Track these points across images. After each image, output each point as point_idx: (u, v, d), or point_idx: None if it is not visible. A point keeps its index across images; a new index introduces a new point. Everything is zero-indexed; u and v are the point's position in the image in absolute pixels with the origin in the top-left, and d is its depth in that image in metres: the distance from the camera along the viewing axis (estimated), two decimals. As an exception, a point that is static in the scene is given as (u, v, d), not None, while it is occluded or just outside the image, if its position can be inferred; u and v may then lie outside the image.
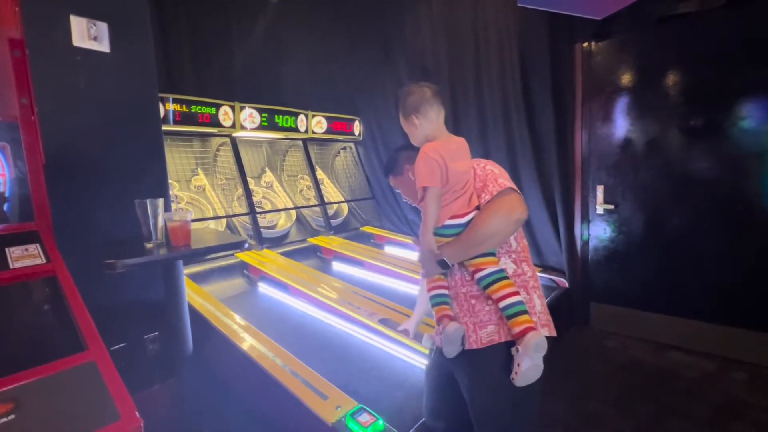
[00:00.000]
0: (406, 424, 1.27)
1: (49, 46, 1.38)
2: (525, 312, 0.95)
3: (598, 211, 2.52)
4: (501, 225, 0.96)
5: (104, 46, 1.52)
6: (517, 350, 0.93)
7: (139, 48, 1.63)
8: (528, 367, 0.91)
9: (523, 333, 0.92)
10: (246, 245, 1.24)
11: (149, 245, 1.22)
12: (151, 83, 1.68)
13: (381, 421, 1.16)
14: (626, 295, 2.47)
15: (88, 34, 1.49)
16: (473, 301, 1.02)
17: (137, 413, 0.67)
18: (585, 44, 2.43)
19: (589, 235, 2.60)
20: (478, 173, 1.04)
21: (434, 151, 0.98)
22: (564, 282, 2.55)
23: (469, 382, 1.03)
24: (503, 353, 0.97)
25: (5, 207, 1.33)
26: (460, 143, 1.06)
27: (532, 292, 1.02)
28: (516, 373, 0.93)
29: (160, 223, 1.25)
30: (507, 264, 1.02)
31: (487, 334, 0.99)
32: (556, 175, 2.51)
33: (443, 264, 1.02)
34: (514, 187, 1.00)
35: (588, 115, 2.50)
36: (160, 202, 1.25)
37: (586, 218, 2.58)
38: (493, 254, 1.01)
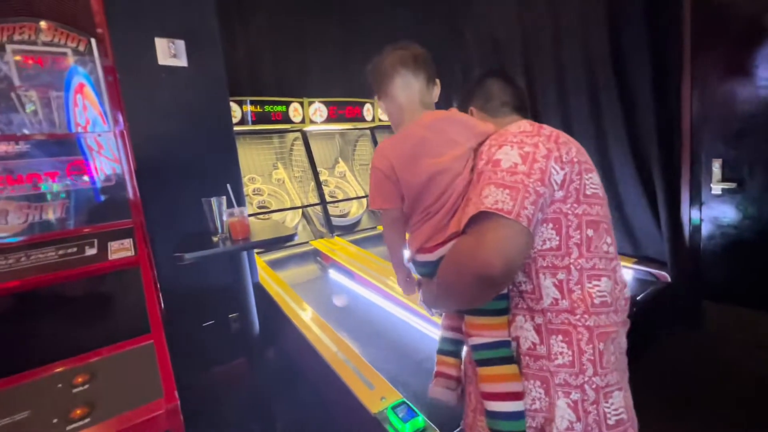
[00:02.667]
0: (453, 422, 1.23)
1: (139, 68, 1.61)
2: None
3: (713, 191, 2.06)
4: (456, 285, 0.62)
5: (182, 61, 1.72)
6: None
7: (211, 59, 1.80)
8: None
9: None
10: (296, 238, 1.32)
11: (215, 238, 1.37)
12: (222, 89, 1.86)
13: (421, 418, 1.14)
14: (752, 293, 1.99)
15: (169, 53, 1.69)
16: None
17: (176, 393, 0.76)
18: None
19: (701, 219, 2.15)
20: (478, 166, 0.67)
21: (380, 157, 0.72)
22: (665, 275, 2.17)
23: None
24: None
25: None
26: (438, 124, 0.72)
27: (555, 393, 0.61)
28: None
29: (225, 218, 1.39)
30: (523, 331, 0.65)
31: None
32: (656, 145, 2.10)
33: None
34: (502, 207, 0.58)
35: (701, 69, 2.01)
36: (223, 200, 1.38)
37: (696, 199, 2.13)
38: (497, 311, 0.66)
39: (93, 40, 2.03)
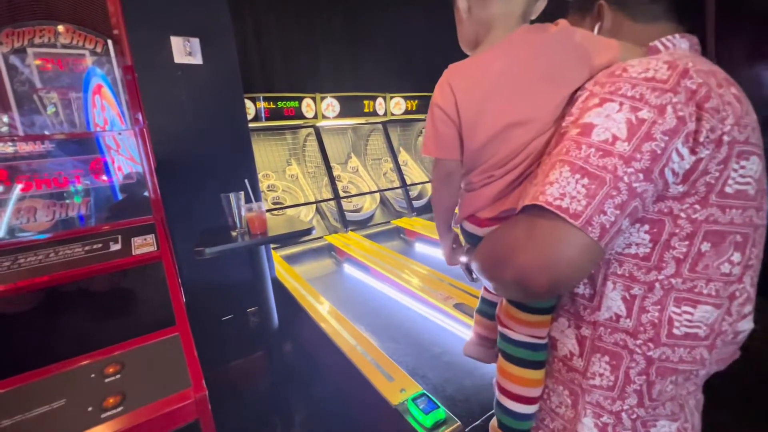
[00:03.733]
0: (473, 414, 1.23)
1: (155, 67, 1.63)
2: None
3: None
4: (490, 275, 0.49)
5: (198, 59, 1.74)
6: None
7: (225, 56, 1.81)
8: None
9: None
10: (313, 232, 1.32)
11: (234, 233, 1.39)
12: (237, 86, 1.87)
13: (442, 410, 1.14)
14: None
15: (184, 51, 1.71)
16: None
17: (204, 383, 0.78)
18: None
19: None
20: (564, 122, 0.48)
21: (444, 90, 0.53)
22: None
23: None
24: None
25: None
26: (538, 46, 0.51)
27: (583, 409, 0.53)
28: None
29: (243, 213, 1.41)
30: (563, 335, 0.55)
31: None
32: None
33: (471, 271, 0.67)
34: (567, 207, 0.42)
35: (725, 55, 1.95)
36: (241, 195, 1.40)
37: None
38: (541, 309, 0.55)
39: (110, 42, 2.07)
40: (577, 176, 0.42)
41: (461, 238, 0.69)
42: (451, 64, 0.57)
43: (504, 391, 0.59)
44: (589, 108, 0.45)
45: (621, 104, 0.42)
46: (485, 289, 0.79)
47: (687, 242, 0.45)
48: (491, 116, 0.51)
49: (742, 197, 0.45)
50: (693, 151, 0.42)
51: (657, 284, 0.47)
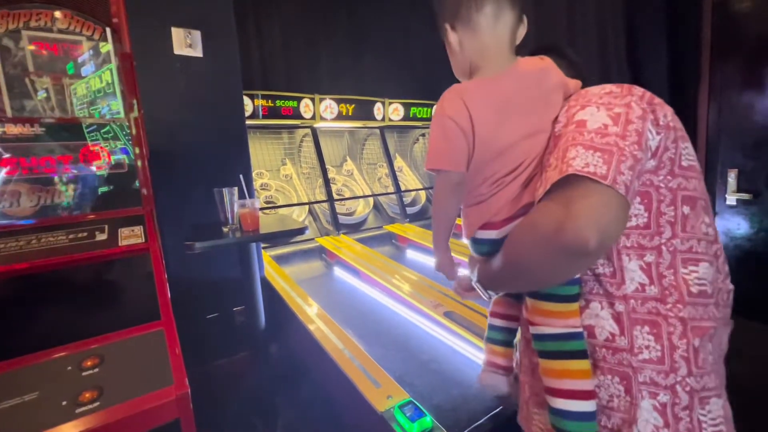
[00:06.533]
0: (460, 424, 1.21)
1: (154, 56, 1.61)
2: None
3: (728, 202, 2.04)
4: (536, 257, 0.53)
5: (198, 52, 1.72)
6: None
7: (227, 50, 1.80)
8: None
9: None
10: (306, 231, 1.30)
11: (226, 229, 1.36)
12: (237, 82, 1.85)
13: (429, 418, 1.12)
14: (765, 307, 1.97)
15: (185, 43, 1.69)
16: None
17: (187, 381, 0.75)
18: (717, -9, 1.95)
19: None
20: (555, 129, 0.59)
21: (457, 104, 0.57)
22: (675, 286, 2.14)
23: None
24: None
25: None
26: (532, 77, 0.60)
27: (638, 392, 0.54)
28: None
29: (236, 209, 1.38)
30: (599, 319, 0.56)
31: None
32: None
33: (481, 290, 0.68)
34: (594, 171, 0.49)
35: (719, 80, 2.00)
36: (235, 190, 1.37)
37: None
38: (569, 297, 0.58)
39: (108, 29, 2.03)
40: (590, 151, 0.51)
41: (467, 252, 0.71)
42: (455, 85, 0.62)
43: (557, 393, 0.57)
44: (575, 113, 0.56)
45: (597, 107, 0.55)
46: (493, 316, 0.79)
47: (672, 207, 0.56)
48: (510, 129, 0.58)
49: (694, 170, 0.58)
50: (657, 132, 0.55)
51: (663, 247, 0.55)
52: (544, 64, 0.63)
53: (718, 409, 0.55)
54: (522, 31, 0.64)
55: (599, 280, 0.57)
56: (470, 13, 0.59)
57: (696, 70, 2.03)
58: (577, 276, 0.58)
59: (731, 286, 0.61)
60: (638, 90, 0.56)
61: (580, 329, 0.58)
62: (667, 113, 0.56)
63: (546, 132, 0.60)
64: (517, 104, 0.59)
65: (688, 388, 0.53)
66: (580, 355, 0.56)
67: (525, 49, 0.70)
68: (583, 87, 0.69)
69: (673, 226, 0.55)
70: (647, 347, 0.54)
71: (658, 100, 0.57)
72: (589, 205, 0.48)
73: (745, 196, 1.96)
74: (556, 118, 0.60)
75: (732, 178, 1.99)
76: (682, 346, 0.53)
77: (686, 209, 0.56)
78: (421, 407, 1.15)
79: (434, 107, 0.67)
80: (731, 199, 2.01)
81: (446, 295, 1.91)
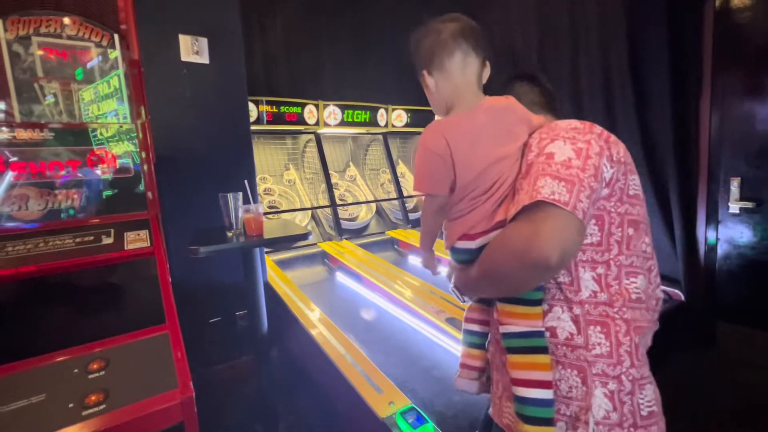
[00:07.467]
0: (462, 430, 1.21)
1: (162, 63, 1.63)
2: (547, 421, 0.63)
3: (731, 210, 2.04)
4: (508, 268, 0.62)
5: (204, 58, 1.74)
6: None
7: (232, 57, 1.82)
8: None
9: None
10: (309, 237, 1.31)
11: (230, 234, 1.37)
12: (242, 88, 1.87)
13: (431, 424, 1.12)
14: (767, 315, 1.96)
15: (192, 49, 1.71)
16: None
17: (191, 384, 0.76)
18: (718, 1, 1.96)
19: (717, 239, 2.12)
20: (528, 158, 0.67)
21: (436, 137, 0.68)
22: (679, 294, 2.14)
23: None
24: None
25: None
26: (498, 112, 0.71)
27: (592, 383, 0.63)
28: None
29: (240, 214, 1.39)
30: (560, 321, 0.65)
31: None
32: (673, 164, 2.09)
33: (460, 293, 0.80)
34: (558, 198, 0.58)
35: (721, 89, 2.01)
36: (240, 195, 1.39)
37: (713, 218, 2.11)
38: (534, 301, 0.67)
39: (116, 36, 2.07)
40: (556, 181, 0.60)
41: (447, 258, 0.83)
42: (435, 121, 0.74)
43: (520, 382, 0.66)
44: (545, 145, 0.65)
45: (564, 141, 0.64)
46: (467, 321, 0.86)
47: (620, 229, 0.66)
48: (482, 154, 0.68)
49: (638, 198, 0.68)
50: (611, 166, 0.64)
51: (611, 262, 0.66)
52: (508, 102, 0.74)
53: (651, 393, 0.65)
54: (486, 73, 0.75)
55: (560, 288, 0.67)
56: (443, 60, 0.71)
57: (698, 80, 2.05)
58: (542, 284, 0.68)
59: (661, 295, 0.72)
60: (597, 128, 0.67)
61: (542, 329, 0.67)
62: (620, 150, 0.66)
63: (513, 157, 0.69)
64: (487, 135, 0.69)
65: (630, 377, 0.63)
66: (541, 350, 0.66)
67: (503, 75, 0.81)
68: (552, 109, 0.86)
69: (619, 245, 0.66)
70: (599, 344, 0.64)
71: (613, 138, 0.67)
72: (554, 227, 0.58)
73: (747, 204, 1.96)
74: (530, 146, 0.69)
75: (735, 186, 2.00)
76: (626, 342, 0.64)
77: (631, 231, 0.66)
78: (423, 414, 1.15)
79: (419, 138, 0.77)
80: (734, 207, 2.01)
81: (448, 302, 1.91)
